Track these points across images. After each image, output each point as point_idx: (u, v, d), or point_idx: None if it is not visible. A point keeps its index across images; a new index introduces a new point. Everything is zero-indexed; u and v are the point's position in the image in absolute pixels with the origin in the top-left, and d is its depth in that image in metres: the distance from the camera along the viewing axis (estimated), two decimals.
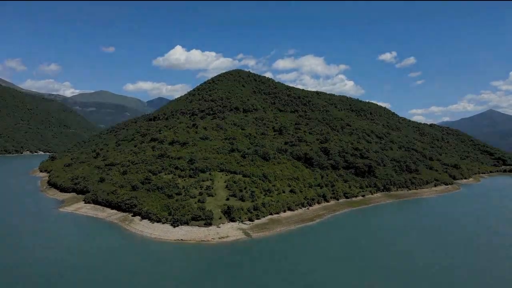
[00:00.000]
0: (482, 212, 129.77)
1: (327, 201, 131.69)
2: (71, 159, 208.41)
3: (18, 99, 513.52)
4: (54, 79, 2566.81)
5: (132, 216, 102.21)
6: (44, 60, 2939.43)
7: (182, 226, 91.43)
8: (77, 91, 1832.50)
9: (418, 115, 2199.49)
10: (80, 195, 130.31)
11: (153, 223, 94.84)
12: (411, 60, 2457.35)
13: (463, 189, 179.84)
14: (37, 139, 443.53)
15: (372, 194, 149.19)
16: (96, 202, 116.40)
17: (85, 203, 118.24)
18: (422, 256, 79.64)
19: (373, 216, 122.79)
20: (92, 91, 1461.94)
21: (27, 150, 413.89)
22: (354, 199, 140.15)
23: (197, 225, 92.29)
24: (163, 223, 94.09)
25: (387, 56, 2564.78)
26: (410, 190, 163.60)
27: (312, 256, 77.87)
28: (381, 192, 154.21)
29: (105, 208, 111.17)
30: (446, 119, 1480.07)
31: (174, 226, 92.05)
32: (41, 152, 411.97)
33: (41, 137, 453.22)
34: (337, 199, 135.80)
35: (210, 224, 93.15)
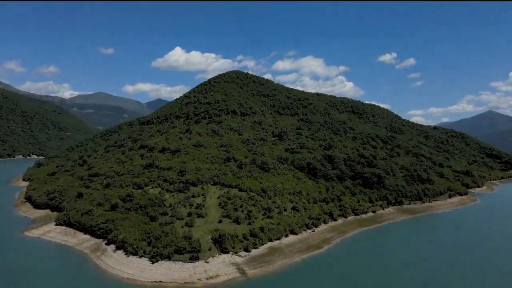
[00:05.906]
0: None
1: (334, 220, 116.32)
2: (57, 166, 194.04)
3: (12, 101, 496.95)
4: (53, 81, 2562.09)
5: (106, 244, 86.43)
6: (43, 62, 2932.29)
7: (163, 262, 75.56)
8: (76, 93, 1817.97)
9: (417, 116, 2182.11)
10: (54, 213, 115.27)
11: (128, 256, 78.85)
12: (411, 61, 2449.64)
13: (480, 201, 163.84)
14: (30, 143, 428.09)
15: (383, 209, 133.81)
16: (68, 224, 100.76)
17: (55, 224, 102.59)
18: None
19: (388, 240, 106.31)
20: (91, 93, 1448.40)
21: (19, 154, 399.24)
22: (364, 215, 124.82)
23: (181, 260, 76.24)
24: (140, 256, 78.20)
25: (387, 57, 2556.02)
26: (423, 203, 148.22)
27: None
28: (392, 206, 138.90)
29: (77, 233, 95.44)
30: (445, 120, 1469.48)
31: (153, 262, 75.90)
32: (34, 156, 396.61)
33: (35, 140, 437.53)
34: (345, 217, 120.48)
35: (197, 258, 77.09)
